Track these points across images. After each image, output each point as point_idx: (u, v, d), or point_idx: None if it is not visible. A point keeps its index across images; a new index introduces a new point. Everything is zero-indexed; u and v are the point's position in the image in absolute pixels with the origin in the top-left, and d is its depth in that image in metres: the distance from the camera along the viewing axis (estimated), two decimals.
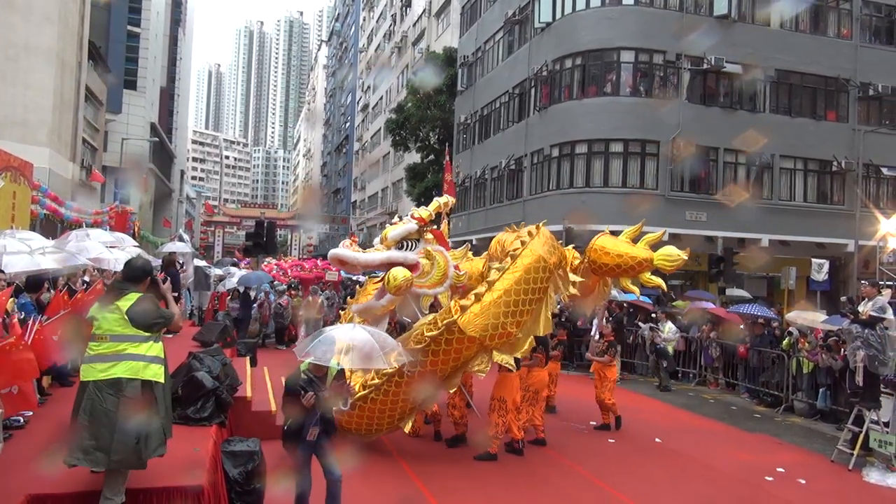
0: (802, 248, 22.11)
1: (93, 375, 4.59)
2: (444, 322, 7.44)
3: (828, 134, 23.17)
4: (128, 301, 4.71)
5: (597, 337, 12.14)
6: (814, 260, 18.05)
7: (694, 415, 12.07)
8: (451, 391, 8.24)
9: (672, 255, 8.55)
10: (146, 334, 4.73)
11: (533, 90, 24.81)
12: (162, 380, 4.81)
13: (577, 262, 8.89)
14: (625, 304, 16.40)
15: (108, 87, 34.29)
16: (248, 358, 11.09)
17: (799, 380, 12.61)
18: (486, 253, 9.49)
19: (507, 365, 7.74)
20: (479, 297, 7.60)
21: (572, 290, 8.36)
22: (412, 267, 7.71)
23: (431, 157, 36.79)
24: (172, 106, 60.19)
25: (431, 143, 36.80)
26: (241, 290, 17.56)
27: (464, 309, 7.57)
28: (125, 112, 39.01)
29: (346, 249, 7.78)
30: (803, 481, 8.15)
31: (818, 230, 22.70)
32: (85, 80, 28.49)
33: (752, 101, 22.91)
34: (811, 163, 23.40)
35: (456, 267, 7.98)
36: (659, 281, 8.57)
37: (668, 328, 15.39)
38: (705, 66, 21.88)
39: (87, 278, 11.43)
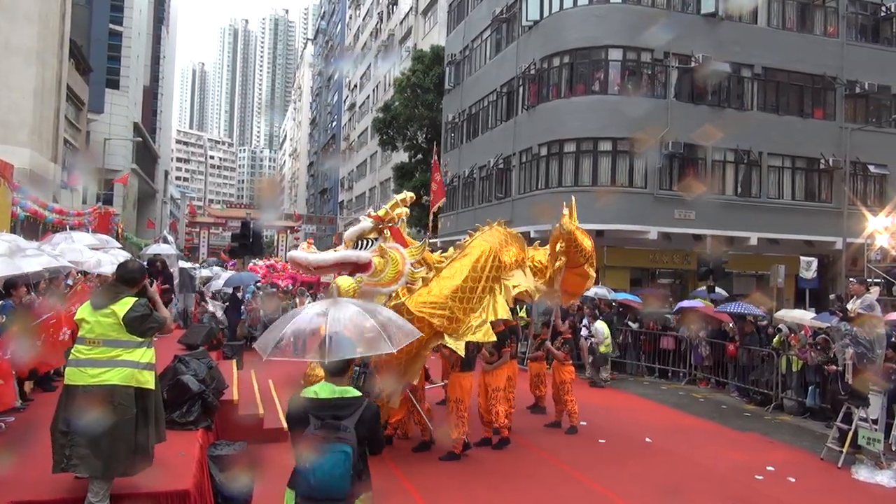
0: (791, 246, 22.29)
1: (83, 380, 4.54)
2: (392, 305, 7.48)
3: (815, 132, 23.36)
4: (123, 306, 4.68)
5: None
6: (802, 258, 18.17)
7: (684, 414, 12.11)
8: (414, 381, 8.44)
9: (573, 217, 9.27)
10: (140, 339, 4.71)
11: (521, 88, 24.83)
12: (154, 387, 4.80)
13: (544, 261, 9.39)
14: (614, 304, 16.44)
15: (89, 87, 34.04)
16: (234, 361, 11.04)
17: (788, 378, 12.69)
18: None
19: (456, 350, 7.80)
20: (426, 282, 7.87)
21: (541, 287, 8.85)
22: (365, 266, 7.70)
23: (419, 156, 36.78)
24: (156, 105, 59.86)
25: (419, 142, 36.78)
26: (230, 291, 17.49)
27: (411, 292, 7.81)
28: (107, 112, 38.78)
29: (299, 251, 7.88)
30: (793, 479, 8.20)
31: (806, 228, 22.89)
32: (66, 79, 28.23)
33: (740, 99, 23.05)
34: (799, 160, 23.58)
35: (413, 264, 7.96)
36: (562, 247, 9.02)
37: (597, 329, 15.12)
38: (693, 63, 21.99)
39: (70, 281, 11.33)
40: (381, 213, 8.10)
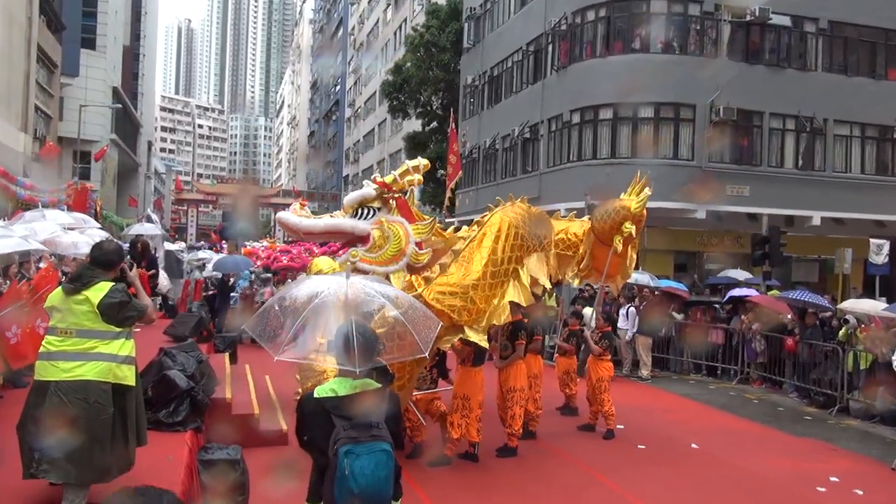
0: (859, 227, 22.02)
1: (55, 375, 4.54)
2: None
3: (889, 95, 22.98)
4: (98, 291, 4.67)
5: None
6: (872, 240, 17.94)
7: (735, 417, 12.06)
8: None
9: (641, 196, 8.98)
10: (118, 330, 4.71)
11: (550, 47, 24.63)
12: (133, 383, 4.81)
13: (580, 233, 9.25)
14: (656, 292, 16.36)
15: (63, 47, 34.17)
16: (227, 354, 11.12)
17: (855, 377, 12.58)
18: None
19: (480, 342, 7.75)
20: (444, 269, 7.76)
21: (569, 276, 8.72)
22: (361, 238, 7.61)
23: (434, 124, 36.70)
24: (137, 68, 60.04)
25: (434, 108, 36.68)
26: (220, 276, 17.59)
27: (428, 281, 7.69)
28: (83, 75, 38.86)
29: (289, 213, 7.74)
30: (860, 492, 8.13)
31: (877, 206, 22.57)
32: (36, 38, 28.38)
33: (802, 58, 22.72)
34: (869, 129, 23.25)
35: (418, 244, 7.84)
36: (630, 229, 8.68)
37: (585, 314, 14.94)
38: (748, 17, 21.69)
39: (42, 265, 11.43)
40: (388, 179, 7.93)
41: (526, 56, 26.64)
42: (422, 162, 8.27)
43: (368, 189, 7.85)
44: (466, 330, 7.66)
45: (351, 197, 7.97)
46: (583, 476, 8.25)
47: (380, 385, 3.85)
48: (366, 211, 7.74)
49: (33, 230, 11.58)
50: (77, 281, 4.76)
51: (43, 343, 4.71)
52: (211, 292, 18.37)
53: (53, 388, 4.52)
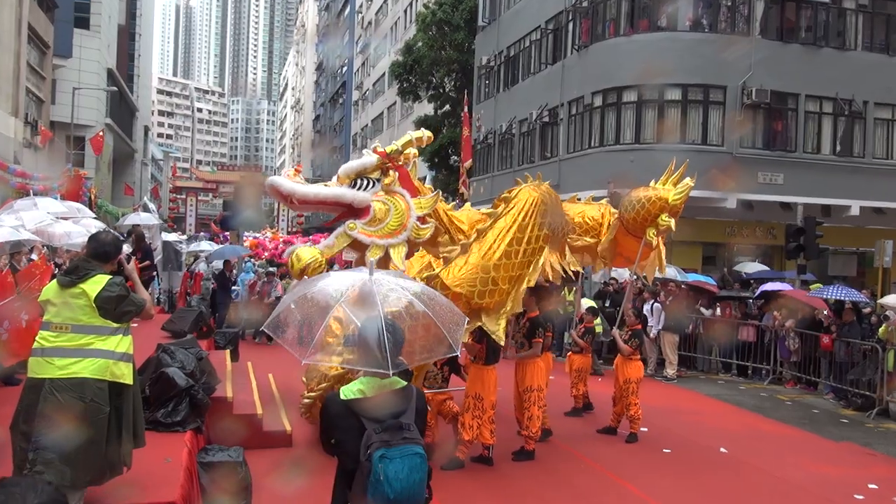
0: None
1: (49, 372, 4.59)
2: (424, 278, 7.40)
3: None
4: (96, 284, 4.72)
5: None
6: None
7: (767, 419, 12.03)
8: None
9: (682, 186, 8.91)
10: (115, 325, 4.77)
11: (570, 25, 24.55)
12: (131, 381, 4.85)
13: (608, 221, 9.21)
14: (683, 286, 16.31)
15: (55, 26, 34.30)
16: (228, 351, 11.17)
17: None
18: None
19: (495, 335, 7.72)
20: (465, 248, 7.68)
21: (573, 265, 8.62)
22: (361, 210, 7.56)
23: (447, 107, 36.66)
24: (133, 48, 60.18)
25: (446, 90, 36.64)
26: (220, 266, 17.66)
27: (447, 261, 7.62)
28: (76, 56, 39.02)
29: (282, 178, 7.57)
30: None
31: None
32: (27, 17, 28.51)
33: (841, 37, 22.53)
34: None
35: (421, 219, 7.77)
36: (668, 222, 8.60)
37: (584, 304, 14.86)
38: None
39: (34, 256, 11.51)
40: (389, 149, 7.89)
41: (545, 34, 26.54)
42: (425, 133, 8.19)
43: (369, 158, 7.73)
44: (483, 318, 7.63)
45: (349, 166, 7.78)
46: (604, 481, 8.24)
47: (406, 383, 3.87)
48: (365, 182, 7.64)
49: (22, 220, 11.64)
50: (73, 274, 4.80)
51: (37, 338, 4.74)
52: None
53: (48, 385, 4.56)
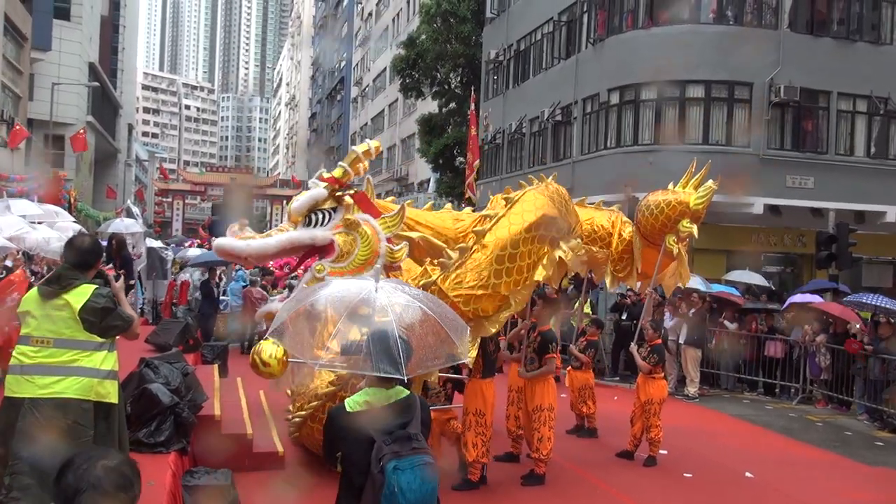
0: None
1: (29, 391, 4.58)
2: (421, 285, 7.40)
3: None
4: (80, 296, 4.71)
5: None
6: None
7: (796, 441, 11.98)
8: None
9: (704, 190, 8.96)
10: (100, 341, 4.77)
11: (585, 16, 24.58)
12: (116, 400, 4.87)
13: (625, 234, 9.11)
14: (707, 298, 16.28)
15: (33, 17, 34.47)
16: (216, 366, 11.17)
17: None
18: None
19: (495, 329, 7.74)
20: (464, 253, 7.66)
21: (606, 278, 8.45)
22: (325, 249, 7.52)
23: (452, 105, 36.69)
24: (117, 41, 60.49)
25: (452, 87, 36.67)
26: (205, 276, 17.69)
27: (444, 268, 7.61)
28: (56, 49, 39.25)
29: (228, 238, 7.51)
30: None
31: None
32: (3, 7, 28.67)
33: (876, 30, 22.50)
34: None
35: (390, 240, 7.74)
36: (690, 229, 8.59)
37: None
38: None
39: (9, 263, 11.56)
40: (336, 173, 7.80)
41: (557, 27, 26.57)
42: (372, 144, 8.17)
43: (317, 190, 7.66)
44: (485, 322, 7.63)
45: (298, 203, 7.72)
46: None
47: (409, 392, 4.06)
48: (320, 216, 7.59)
49: None
50: (56, 283, 4.80)
51: (14, 354, 4.73)
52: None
53: (28, 405, 4.56)
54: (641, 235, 9.02)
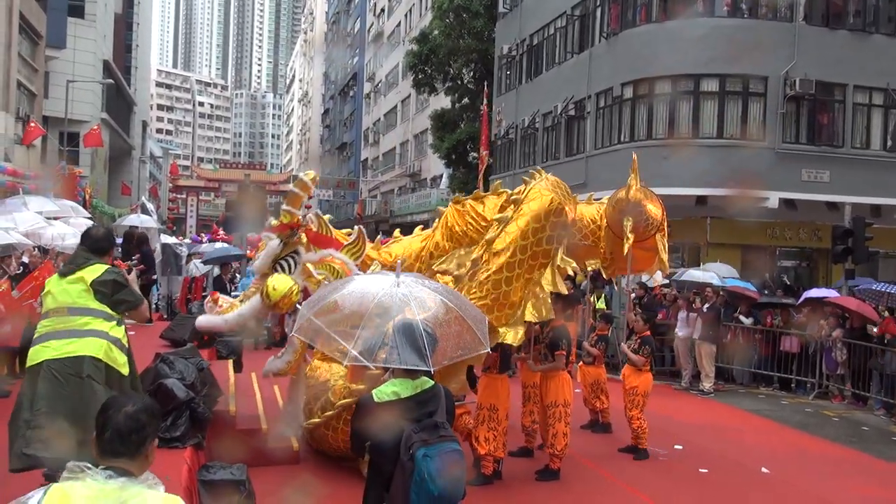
0: None
1: (46, 355, 4.90)
2: None
3: None
4: (94, 271, 5.09)
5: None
6: None
7: (812, 437, 11.95)
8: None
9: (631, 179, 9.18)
10: (110, 312, 5.10)
11: (598, 11, 24.54)
12: (126, 373, 5.18)
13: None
14: (721, 293, 16.22)
15: (48, 15, 34.61)
16: (231, 361, 11.20)
17: None
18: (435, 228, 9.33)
19: (513, 340, 7.72)
20: (476, 263, 7.66)
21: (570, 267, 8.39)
22: (307, 295, 7.50)
23: (465, 100, 36.70)
24: (131, 39, 60.72)
25: (465, 82, 36.66)
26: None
27: (458, 281, 7.61)
28: (70, 47, 39.39)
29: (206, 316, 7.71)
30: None
31: None
32: (18, 5, 28.79)
33: (893, 23, 22.37)
34: None
35: (362, 266, 7.75)
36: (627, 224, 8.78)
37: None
38: None
39: (25, 259, 11.62)
40: (282, 219, 7.74)
41: (571, 21, 26.51)
42: (308, 174, 8.16)
43: (271, 243, 7.69)
44: (501, 330, 7.63)
45: (259, 263, 7.81)
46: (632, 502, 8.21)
47: (434, 382, 4.26)
48: (286, 265, 7.61)
49: (14, 220, 11.75)
50: (72, 263, 5.25)
51: (37, 329, 5.06)
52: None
53: (45, 367, 4.85)
54: (609, 229, 9.09)
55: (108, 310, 5.06)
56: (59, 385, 4.75)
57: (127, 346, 5.27)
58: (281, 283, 7.07)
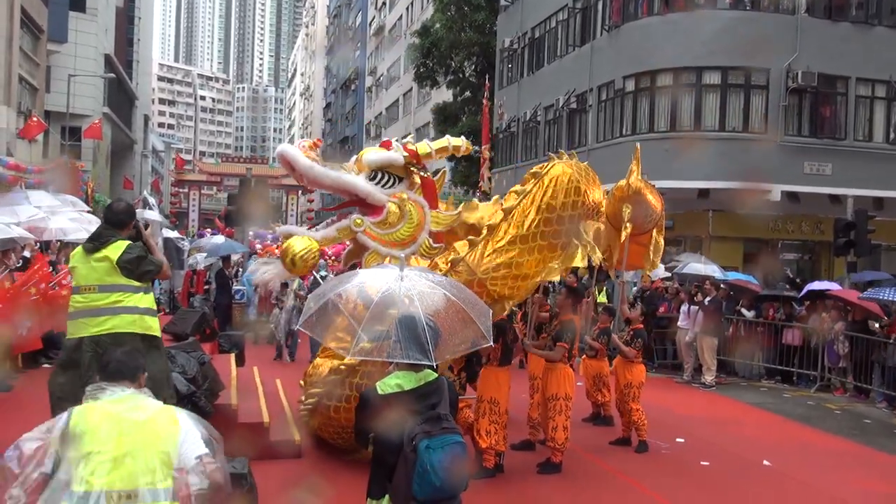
0: None
1: (86, 331, 5.39)
2: (449, 260, 7.35)
3: None
4: (117, 249, 5.49)
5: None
6: None
7: (814, 430, 11.95)
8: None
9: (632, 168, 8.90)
10: (137, 284, 5.56)
11: (600, 3, 24.49)
12: (159, 333, 5.74)
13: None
14: (723, 286, 16.21)
15: (49, 9, 34.57)
16: (233, 355, 11.20)
17: None
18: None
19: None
20: (492, 230, 7.61)
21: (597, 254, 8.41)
22: (374, 208, 7.47)
23: (467, 93, 36.64)
24: (132, 33, 60.70)
25: (466, 75, 36.63)
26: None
27: (472, 245, 7.57)
28: (72, 41, 39.35)
29: (298, 151, 7.51)
30: None
31: None
32: (20, 0, 28.76)
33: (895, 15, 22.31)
34: None
35: (438, 237, 7.70)
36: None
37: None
38: None
39: (27, 253, 11.63)
40: (420, 148, 7.81)
41: (572, 14, 26.47)
42: (464, 144, 8.16)
43: (396, 154, 7.68)
44: (506, 305, 7.61)
45: (374, 157, 7.75)
46: (639, 498, 8.21)
47: (437, 375, 4.32)
48: (385, 177, 7.59)
49: (15, 213, 11.75)
50: (96, 240, 5.61)
51: (70, 302, 5.57)
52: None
53: (87, 342, 5.32)
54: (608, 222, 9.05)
55: (135, 283, 5.51)
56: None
57: (155, 308, 5.81)
58: (299, 244, 7.04)
